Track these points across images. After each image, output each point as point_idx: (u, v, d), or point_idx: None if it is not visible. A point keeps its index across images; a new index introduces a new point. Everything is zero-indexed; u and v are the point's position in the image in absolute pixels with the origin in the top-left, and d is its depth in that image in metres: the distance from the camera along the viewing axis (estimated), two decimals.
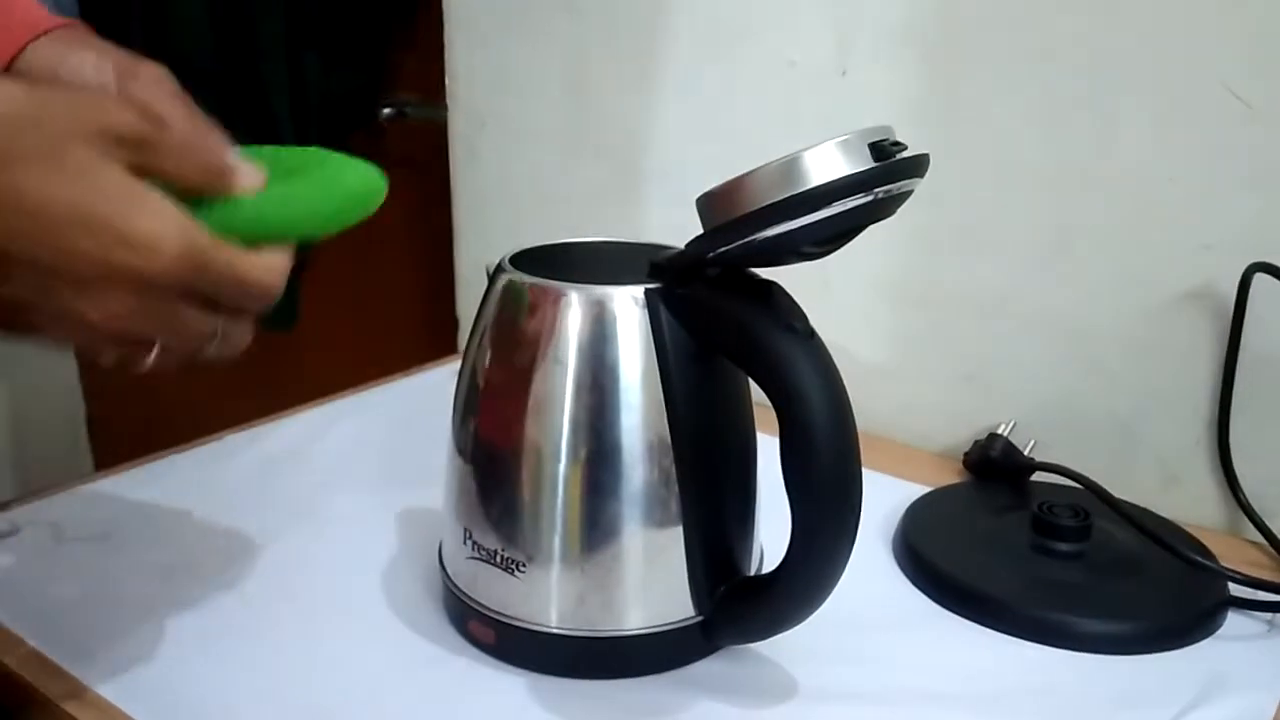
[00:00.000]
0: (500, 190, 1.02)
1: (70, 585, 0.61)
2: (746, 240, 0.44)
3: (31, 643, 0.55)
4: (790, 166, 0.42)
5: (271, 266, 0.43)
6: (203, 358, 0.45)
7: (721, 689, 0.53)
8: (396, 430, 0.82)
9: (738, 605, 0.53)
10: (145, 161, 0.40)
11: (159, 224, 0.39)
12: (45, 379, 1.68)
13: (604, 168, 0.94)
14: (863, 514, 0.47)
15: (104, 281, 0.39)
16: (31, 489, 0.72)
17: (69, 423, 1.74)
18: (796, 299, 0.49)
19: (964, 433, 0.79)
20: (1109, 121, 0.71)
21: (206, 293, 0.41)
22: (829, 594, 0.49)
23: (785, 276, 0.50)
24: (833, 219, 0.43)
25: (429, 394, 0.89)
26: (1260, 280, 0.66)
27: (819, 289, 0.85)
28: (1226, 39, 0.66)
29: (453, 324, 1.09)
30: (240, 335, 0.45)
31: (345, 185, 0.46)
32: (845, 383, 0.47)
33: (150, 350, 0.43)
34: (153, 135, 0.40)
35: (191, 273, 0.40)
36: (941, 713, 0.53)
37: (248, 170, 0.43)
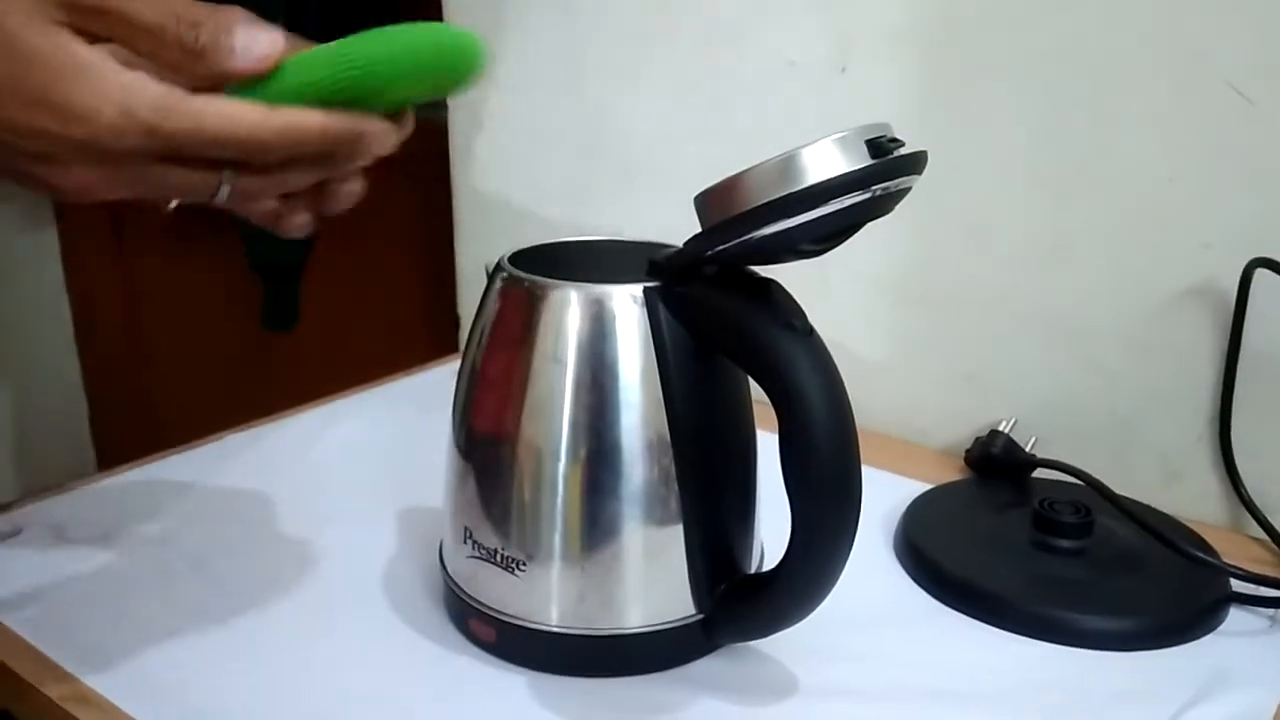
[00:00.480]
0: (500, 189, 1.02)
1: (71, 585, 0.61)
2: (744, 238, 0.44)
3: (33, 643, 0.55)
4: (787, 164, 0.42)
5: (280, 122, 0.40)
6: (243, 209, 0.44)
7: (722, 687, 0.53)
8: (398, 429, 0.82)
9: (738, 603, 0.53)
10: (102, 29, 0.38)
11: (89, 91, 0.37)
12: (47, 379, 1.68)
13: (604, 167, 0.94)
14: (863, 511, 0.47)
15: (59, 153, 0.38)
16: (34, 489, 0.72)
17: (72, 423, 1.74)
18: (796, 297, 0.49)
19: (965, 430, 0.79)
20: (1109, 120, 0.71)
21: (178, 152, 0.40)
22: (829, 592, 0.48)
23: (785, 274, 0.50)
24: (830, 216, 0.43)
25: (430, 393, 0.89)
26: (1261, 276, 0.66)
27: (819, 287, 0.84)
28: (1227, 36, 0.66)
29: (453, 323, 1.09)
30: (259, 184, 0.43)
31: (378, 49, 0.43)
32: (845, 380, 0.47)
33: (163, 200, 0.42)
34: (109, 3, 0.38)
35: (144, 137, 0.38)
36: (943, 710, 0.53)
37: (254, 46, 0.41)
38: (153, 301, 1.77)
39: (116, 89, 0.38)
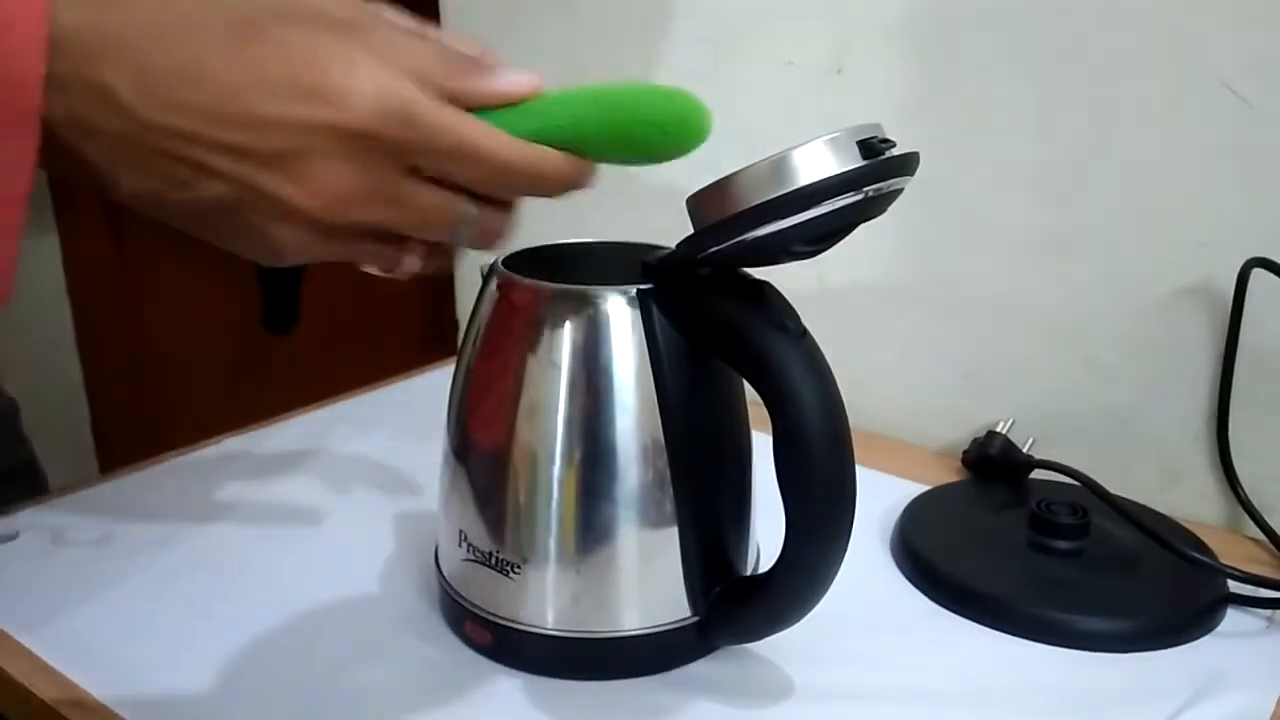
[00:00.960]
0: None
1: (69, 589, 0.61)
2: (735, 240, 0.44)
3: (29, 646, 0.56)
4: (778, 166, 0.42)
5: (527, 152, 0.38)
6: (459, 248, 0.40)
7: (718, 689, 0.53)
8: (396, 432, 0.82)
9: (733, 605, 0.53)
10: (358, 37, 0.36)
11: (345, 73, 0.35)
12: (50, 384, 1.68)
13: (600, 168, 0.94)
14: (861, 512, 0.47)
15: (303, 148, 0.35)
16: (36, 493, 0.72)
17: (74, 428, 1.74)
18: (794, 298, 0.49)
19: (963, 431, 0.79)
20: (1107, 117, 0.70)
21: (429, 160, 0.37)
22: (824, 594, 0.48)
23: (781, 275, 0.49)
24: (822, 218, 0.42)
25: (429, 396, 0.89)
26: (1258, 275, 0.66)
27: (816, 287, 0.85)
28: (1224, 37, 0.65)
29: (452, 326, 1.09)
30: (497, 221, 0.40)
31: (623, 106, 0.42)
32: (842, 381, 0.47)
33: (399, 246, 0.39)
34: (369, 22, 0.36)
35: (400, 129, 0.35)
36: (939, 712, 0.52)
37: (515, 73, 0.39)
38: (153, 304, 1.77)
39: (376, 73, 0.35)
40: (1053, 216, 0.74)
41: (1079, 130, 0.72)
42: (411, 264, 0.41)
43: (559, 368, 0.51)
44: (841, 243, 0.48)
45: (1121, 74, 0.69)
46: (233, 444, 0.80)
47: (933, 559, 0.63)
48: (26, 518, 0.68)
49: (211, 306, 1.63)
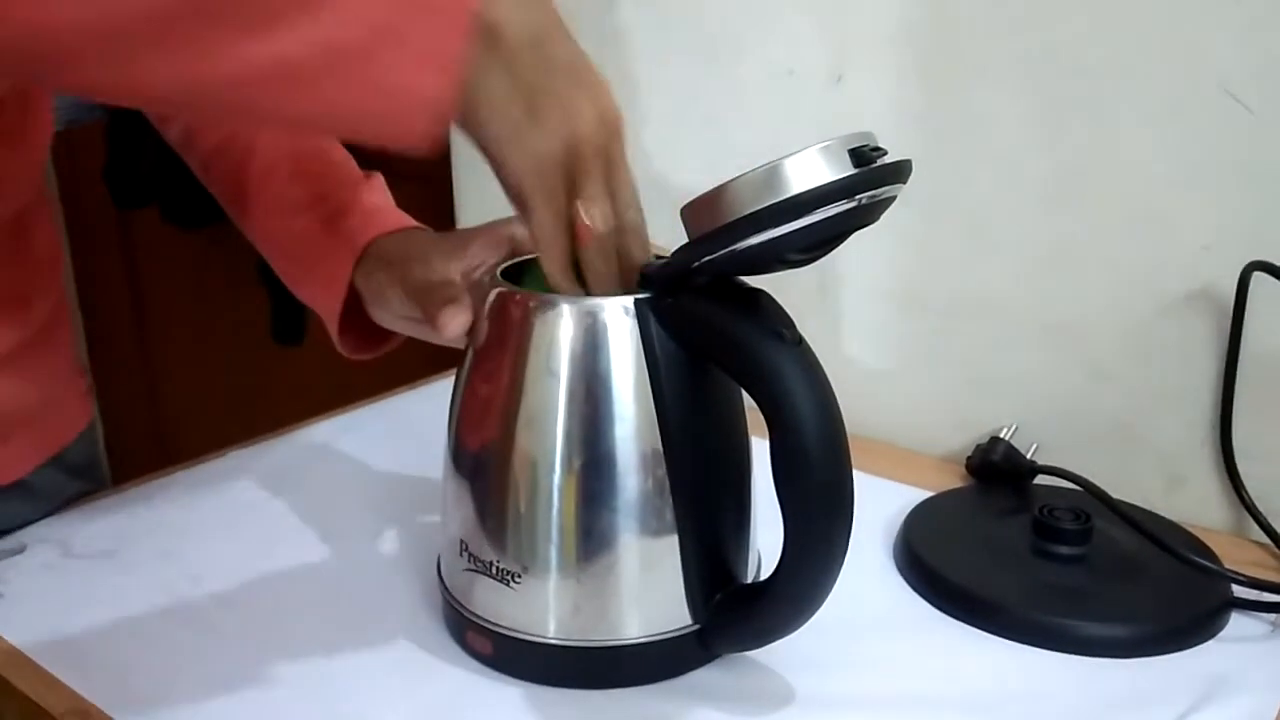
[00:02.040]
0: (502, 201, 1.02)
1: (76, 602, 0.61)
2: (729, 249, 0.44)
3: (37, 660, 0.56)
4: (770, 175, 0.43)
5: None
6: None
7: (719, 697, 0.53)
8: (400, 444, 0.82)
9: (733, 613, 0.53)
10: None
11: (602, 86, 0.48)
12: None
13: None
14: (863, 519, 0.47)
15: (584, 84, 0.47)
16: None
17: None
18: (797, 305, 0.49)
19: (966, 437, 0.78)
20: (1108, 123, 0.70)
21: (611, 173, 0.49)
22: (823, 601, 0.49)
23: (785, 282, 0.50)
24: (815, 226, 0.43)
25: (432, 407, 0.89)
26: (1259, 279, 0.66)
27: (819, 295, 0.85)
28: (1224, 41, 0.65)
29: None
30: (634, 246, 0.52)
31: None
32: (846, 388, 0.47)
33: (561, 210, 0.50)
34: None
35: (611, 138, 0.48)
36: (942, 718, 0.52)
37: None
38: (163, 318, 1.79)
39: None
40: (1054, 222, 0.74)
41: (1080, 136, 0.72)
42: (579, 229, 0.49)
43: (558, 377, 0.51)
44: (842, 249, 0.48)
45: (1122, 79, 0.69)
46: (239, 456, 0.80)
47: (936, 565, 0.63)
48: (34, 531, 0.69)
49: (221, 319, 1.64)
